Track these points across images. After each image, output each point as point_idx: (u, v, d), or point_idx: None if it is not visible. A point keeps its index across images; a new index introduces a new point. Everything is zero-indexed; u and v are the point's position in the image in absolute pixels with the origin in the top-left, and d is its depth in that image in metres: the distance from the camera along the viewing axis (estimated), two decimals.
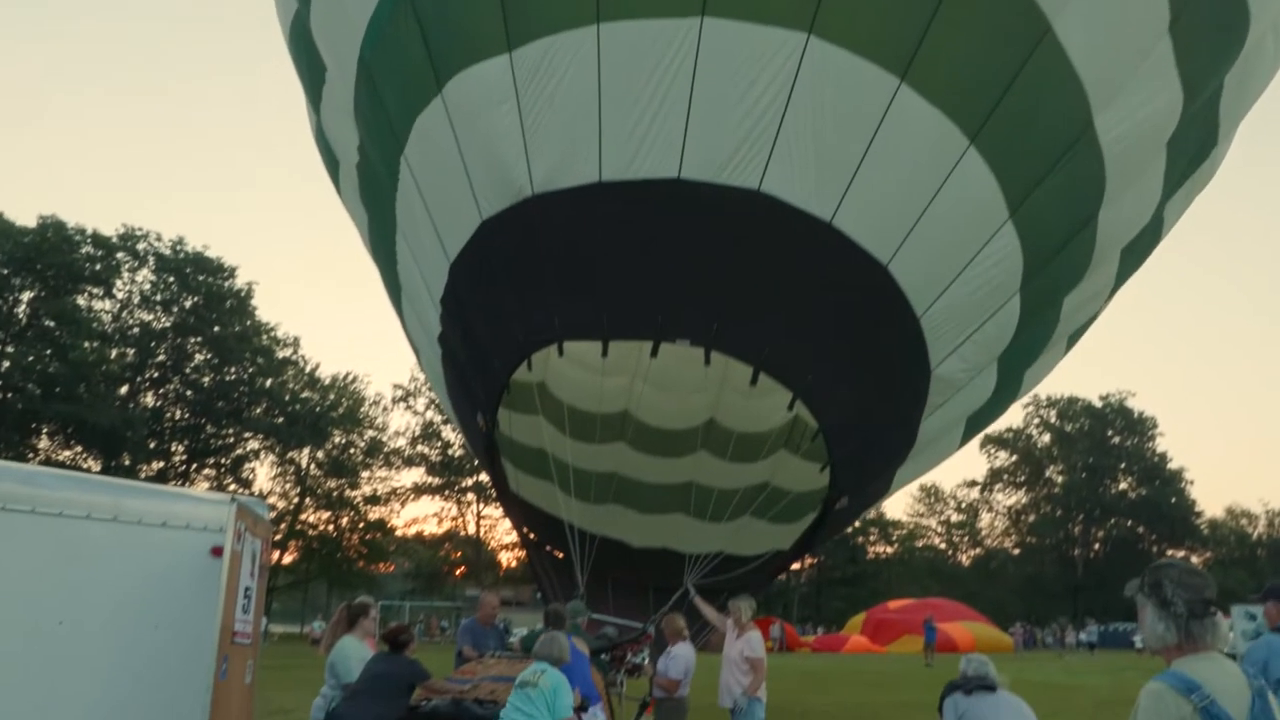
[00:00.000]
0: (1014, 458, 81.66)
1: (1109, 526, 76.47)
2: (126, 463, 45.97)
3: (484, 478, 67.80)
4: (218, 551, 4.79)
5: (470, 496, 71.01)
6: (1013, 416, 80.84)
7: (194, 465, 56.55)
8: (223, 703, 4.61)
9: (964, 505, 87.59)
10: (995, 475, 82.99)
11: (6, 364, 44.88)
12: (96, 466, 44.75)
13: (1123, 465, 76.66)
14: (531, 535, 11.20)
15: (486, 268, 8.08)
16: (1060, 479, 78.67)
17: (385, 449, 67.13)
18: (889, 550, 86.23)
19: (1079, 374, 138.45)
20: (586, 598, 9.71)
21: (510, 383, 8.74)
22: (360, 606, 7.36)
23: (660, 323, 7.51)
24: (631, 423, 10.09)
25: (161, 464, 53.66)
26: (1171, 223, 9.38)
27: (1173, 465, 75.49)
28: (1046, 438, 79.89)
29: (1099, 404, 78.16)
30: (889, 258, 7.20)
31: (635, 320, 7.60)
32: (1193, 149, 8.35)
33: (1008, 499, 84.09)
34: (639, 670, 8.50)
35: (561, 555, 10.13)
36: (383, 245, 9.82)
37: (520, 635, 8.75)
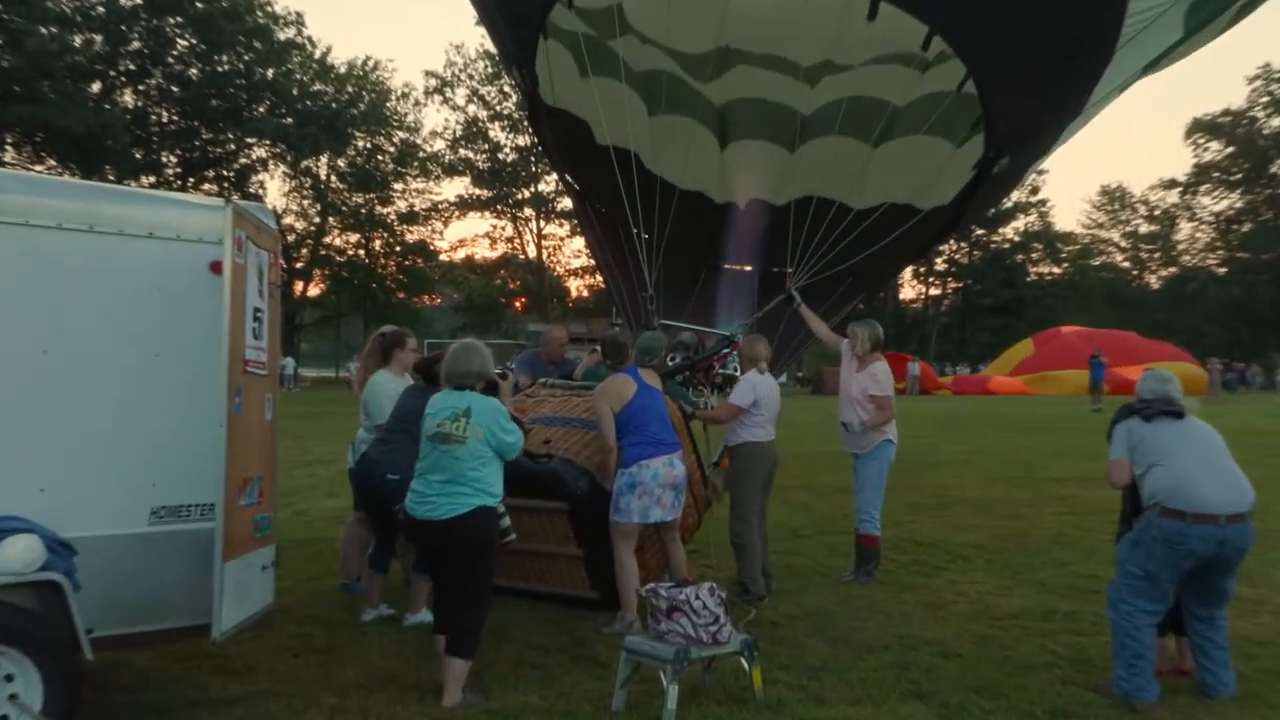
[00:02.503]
0: (1229, 149, 78.23)
1: None
2: (111, 178, 47.28)
3: (544, 187, 68.44)
4: (217, 268, 4.91)
5: (528, 211, 71.93)
6: (1233, 93, 76.72)
7: (190, 179, 57.97)
8: (240, 439, 4.88)
9: (1158, 212, 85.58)
10: (1203, 172, 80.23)
11: None
12: None
13: None
14: (600, 208, 11.82)
15: None
16: None
17: (420, 154, 68.00)
18: (1056, 271, 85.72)
19: None
20: (660, 305, 10.27)
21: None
22: (395, 335, 7.56)
23: None
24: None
25: (152, 178, 55.16)
26: None
27: None
28: (1277, 121, 75.88)
29: None
30: None
31: None
32: None
33: (1216, 203, 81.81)
34: (734, 383, 8.57)
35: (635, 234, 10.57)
36: None
37: (581, 366, 8.90)
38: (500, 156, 69.77)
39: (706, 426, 8.56)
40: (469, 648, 5.26)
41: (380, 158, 66.47)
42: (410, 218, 67.79)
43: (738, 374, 8.90)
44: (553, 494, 6.90)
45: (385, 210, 67.27)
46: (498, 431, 5.25)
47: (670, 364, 8.89)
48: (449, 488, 5.18)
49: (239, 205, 5.00)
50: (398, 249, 67.49)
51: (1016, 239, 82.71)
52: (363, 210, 66.08)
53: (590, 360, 8.76)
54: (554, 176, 64.18)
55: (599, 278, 77.55)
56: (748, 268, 11.75)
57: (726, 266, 11.77)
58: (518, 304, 75.32)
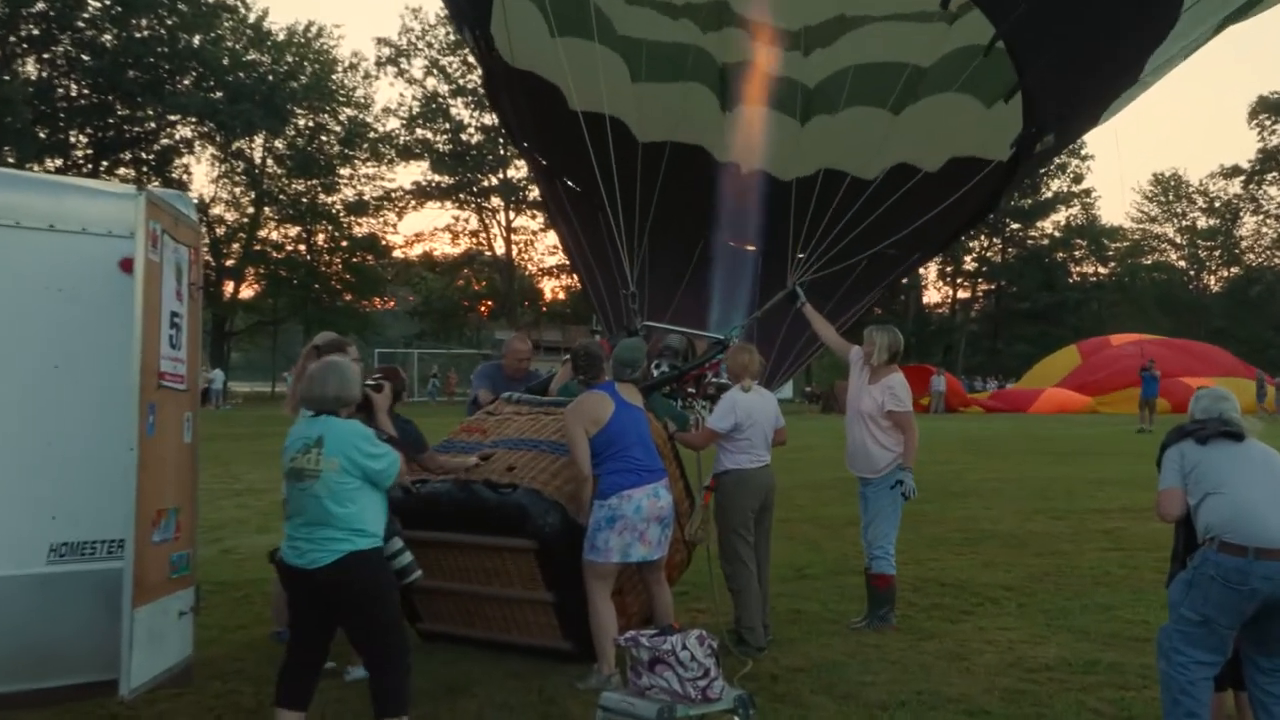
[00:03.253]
0: None
1: None
2: (10, 161, 47.06)
3: (514, 172, 68.49)
4: (128, 266, 4.88)
5: (495, 201, 71.98)
6: None
7: (103, 162, 57.85)
8: (154, 464, 4.85)
9: (1218, 204, 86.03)
10: (1269, 158, 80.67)
11: None
12: None
13: None
14: (570, 184, 11.79)
15: None
16: None
17: (371, 135, 68.06)
18: (1102, 271, 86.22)
19: None
20: (644, 303, 10.26)
21: None
22: (332, 343, 7.40)
23: None
24: None
25: (59, 161, 55.02)
26: None
27: None
28: None
29: None
30: None
31: None
32: None
33: None
34: (726, 389, 8.47)
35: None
36: None
37: (556, 380, 8.82)
38: (463, 138, 69.87)
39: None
40: (399, 705, 5.20)
41: (324, 138, 66.52)
42: (359, 208, 67.88)
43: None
44: (517, 530, 6.86)
45: (330, 199, 67.36)
46: (359, 458, 5.10)
47: (656, 373, 8.89)
48: (316, 532, 5.07)
49: (154, 194, 4.99)
50: (344, 244, 67.58)
51: (1057, 234, 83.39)
52: (304, 199, 66.09)
53: (565, 373, 8.59)
54: (523, 162, 64.14)
55: (577, 278, 76.67)
56: (749, 246, 11.58)
57: (724, 243, 11.59)
58: (483, 308, 75.49)
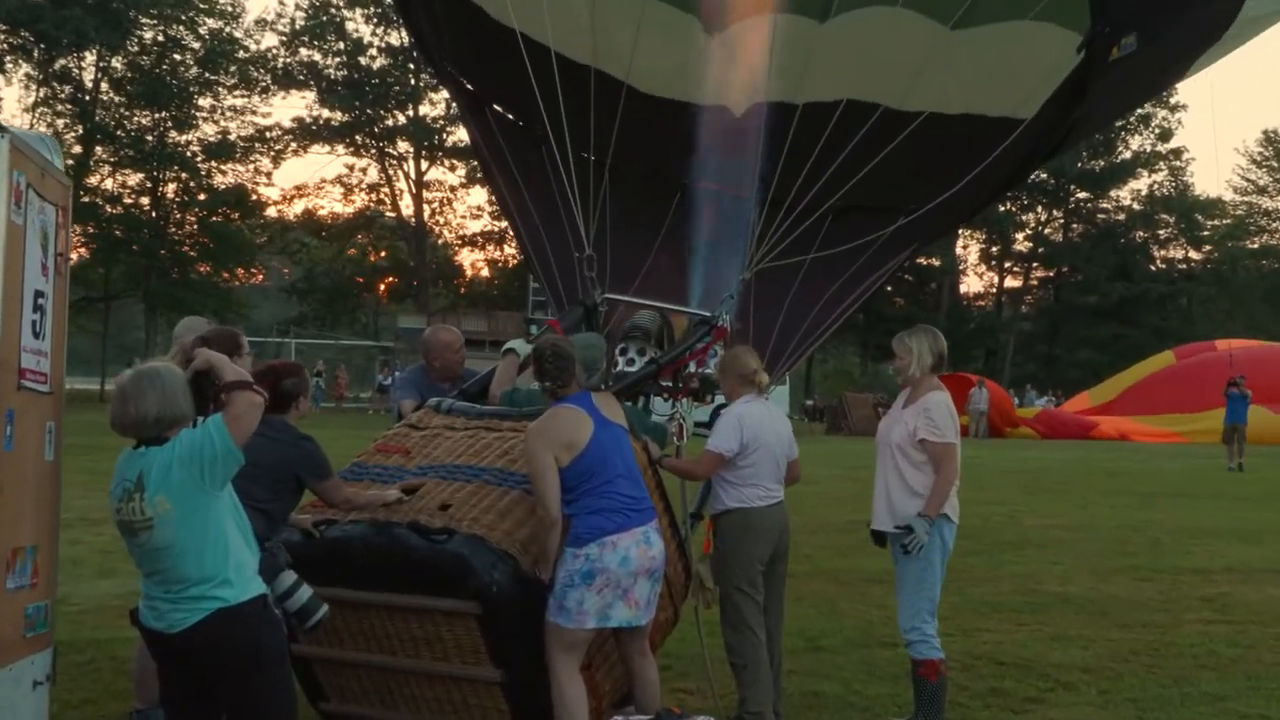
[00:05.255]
0: None
1: None
2: None
3: (428, 110, 68.56)
4: None
5: (403, 146, 72.06)
6: None
7: None
8: (12, 487, 4.83)
9: None
10: None
11: None
12: None
13: None
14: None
15: None
16: None
17: (239, 54, 67.80)
18: (1194, 257, 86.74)
19: None
20: (606, 270, 10.23)
21: None
22: (226, 336, 7.21)
23: None
24: None
25: None
26: None
27: None
28: None
29: None
30: None
31: None
32: None
33: None
34: (714, 384, 8.60)
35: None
36: None
37: (498, 381, 8.72)
38: (363, 61, 69.98)
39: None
40: None
41: (178, 57, 66.00)
42: (222, 150, 67.53)
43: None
44: (455, 588, 6.71)
45: (183, 138, 67.18)
46: (193, 470, 4.98)
47: (624, 366, 8.93)
48: (172, 590, 5.06)
49: (17, 135, 4.90)
50: (201, 197, 67.06)
51: (1136, 207, 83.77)
52: (149, 137, 65.59)
53: (508, 373, 8.60)
54: (442, 95, 63.95)
55: (508, 249, 76.93)
56: (743, 193, 11.02)
57: (706, 186, 11.25)
58: (383, 287, 75.79)
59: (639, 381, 8.80)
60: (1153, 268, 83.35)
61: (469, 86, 12.09)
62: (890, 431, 8.11)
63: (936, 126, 10.18)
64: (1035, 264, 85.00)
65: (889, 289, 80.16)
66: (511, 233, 13.63)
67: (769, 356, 10.39)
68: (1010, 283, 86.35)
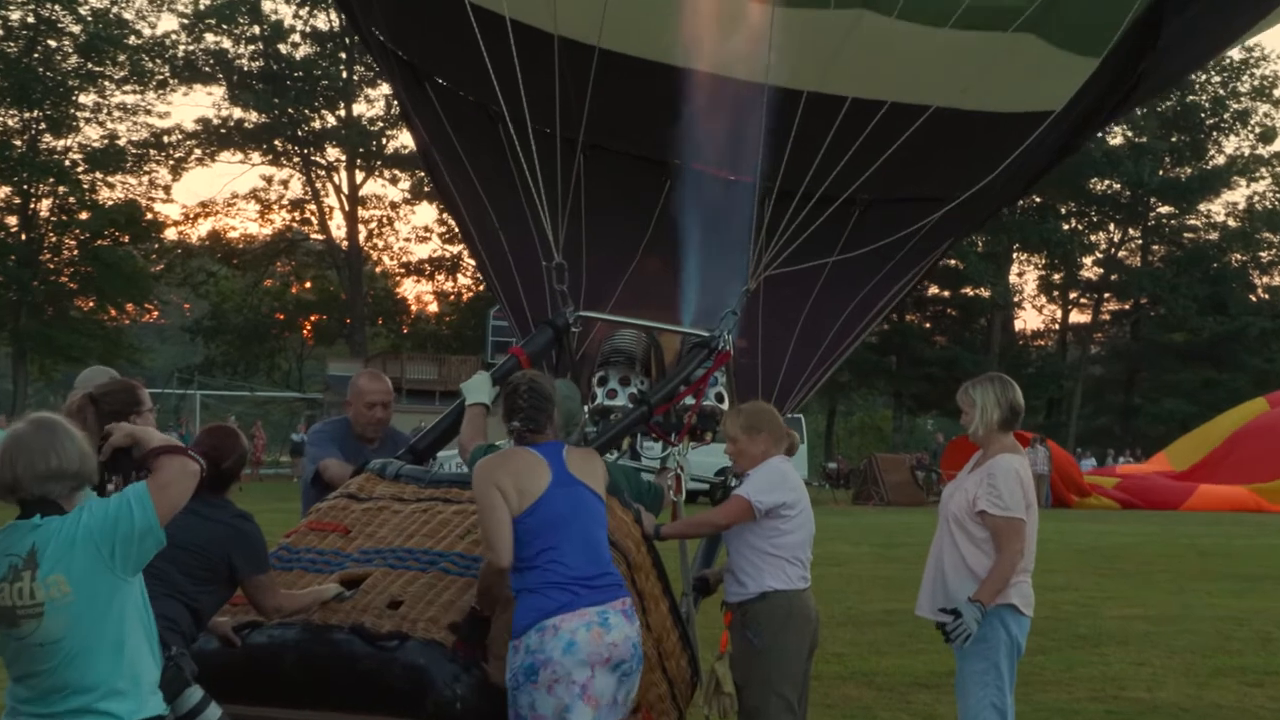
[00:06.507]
0: None
1: None
2: None
3: (364, 109, 68.75)
4: None
5: (333, 154, 72.07)
6: None
7: None
8: None
9: None
10: None
11: None
12: None
13: None
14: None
15: None
16: None
17: (130, 40, 67.50)
18: None
19: None
20: (577, 281, 10.29)
21: None
22: (121, 391, 7.03)
23: None
24: None
25: None
26: None
27: None
28: None
29: None
30: None
31: None
32: None
33: None
34: (717, 420, 8.76)
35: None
36: None
37: (468, 435, 8.64)
38: (283, 50, 70.26)
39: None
40: None
41: (53, 43, 65.96)
42: (109, 159, 67.64)
43: (724, 405, 9.07)
44: (409, 706, 6.67)
45: (61, 144, 67.17)
46: (103, 547, 4.85)
47: (604, 399, 9.00)
48: (53, 700, 4.92)
49: None
50: (83, 216, 66.87)
51: (1232, 224, 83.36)
52: (17, 142, 65.50)
53: (474, 427, 8.55)
54: (381, 90, 63.89)
55: (462, 278, 76.13)
56: (745, 177, 11.11)
57: (702, 170, 11.44)
58: (309, 326, 76.18)
59: (626, 429, 8.81)
60: (1253, 298, 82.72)
61: (404, 57, 12.19)
62: (950, 499, 8.15)
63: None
64: (1107, 294, 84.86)
65: (927, 325, 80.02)
66: (468, 254, 13.61)
67: (780, 383, 10.98)
68: (1076, 317, 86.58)
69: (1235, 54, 72.00)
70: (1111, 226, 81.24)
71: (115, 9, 67.26)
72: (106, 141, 67.95)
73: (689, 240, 10.82)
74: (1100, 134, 68.82)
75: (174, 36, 69.13)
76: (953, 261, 68.10)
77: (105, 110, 68.11)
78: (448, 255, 73.57)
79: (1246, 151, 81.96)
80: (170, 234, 72.05)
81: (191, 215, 74.23)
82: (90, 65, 66.90)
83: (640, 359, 9.30)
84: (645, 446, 9.32)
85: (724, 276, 10.47)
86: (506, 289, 11.80)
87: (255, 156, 71.93)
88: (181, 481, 4.95)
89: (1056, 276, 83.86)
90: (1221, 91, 78.31)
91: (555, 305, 10.02)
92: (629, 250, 11.64)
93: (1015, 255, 79.90)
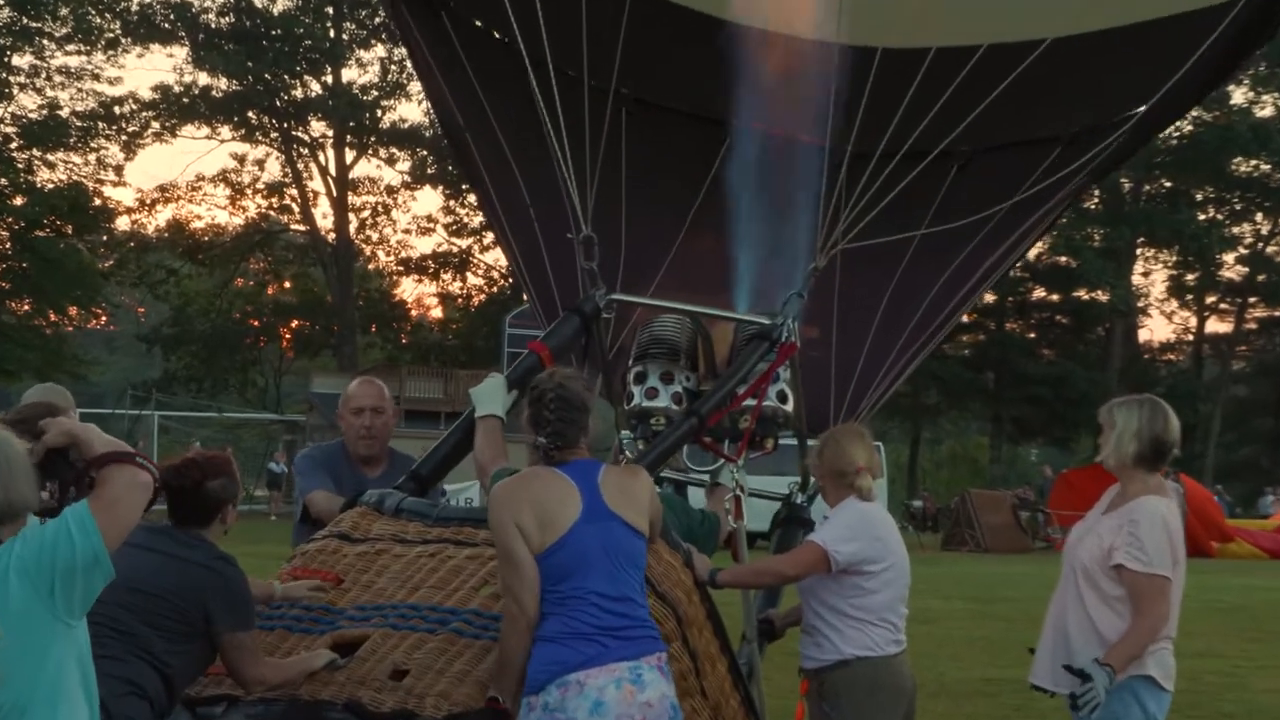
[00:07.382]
0: None
1: None
2: None
3: (354, 74, 70.02)
4: None
5: (317, 128, 74.38)
6: None
7: None
8: None
9: None
10: None
11: None
12: None
13: None
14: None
15: None
16: None
17: None
18: None
19: None
20: (611, 259, 10.64)
21: None
22: (33, 410, 7.17)
23: None
24: None
25: None
26: None
27: None
28: None
29: None
30: None
31: None
32: None
33: None
34: (779, 424, 9.15)
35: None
36: None
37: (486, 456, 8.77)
38: (259, 4, 71.60)
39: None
40: None
41: None
42: (49, 132, 68.51)
43: (788, 405, 9.40)
44: None
45: None
46: (53, 583, 4.97)
47: (642, 400, 9.39)
48: None
49: None
50: (18, 201, 67.58)
51: None
52: None
53: (493, 443, 8.60)
54: (375, 53, 64.43)
55: (472, 278, 77.75)
56: (818, 140, 10.89)
57: (761, 129, 11.17)
58: (287, 334, 77.47)
59: (673, 448, 9.12)
60: None
61: None
62: (1079, 545, 8.46)
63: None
64: (1253, 298, 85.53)
65: (1031, 335, 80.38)
66: (490, 240, 13.08)
67: (855, 382, 11.76)
68: (1215, 326, 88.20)
69: None
70: (1259, 216, 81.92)
71: None
72: (45, 112, 69.26)
73: (747, 210, 11.14)
74: (1246, 104, 69.46)
75: None
76: (1064, 259, 69.87)
77: (44, 74, 69.56)
78: (455, 250, 75.29)
79: None
80: (123, 223, 74.47)
81: (148, 201, 76.21)
82: (25, 20, 67.89)
83: (685, 350, 9.74)
84: (686, 456, 9.69)
85: (785, 251, 10.90)
86: (530, 267, 12.27)
87: (225, 131, 73.76)
88: (130, 496, 5.18)
89: (1190, 277, 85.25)
90: None
91: (583, 284, 10.33)
92: (674, 222, 12.06)
93: (1140, 251, 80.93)
